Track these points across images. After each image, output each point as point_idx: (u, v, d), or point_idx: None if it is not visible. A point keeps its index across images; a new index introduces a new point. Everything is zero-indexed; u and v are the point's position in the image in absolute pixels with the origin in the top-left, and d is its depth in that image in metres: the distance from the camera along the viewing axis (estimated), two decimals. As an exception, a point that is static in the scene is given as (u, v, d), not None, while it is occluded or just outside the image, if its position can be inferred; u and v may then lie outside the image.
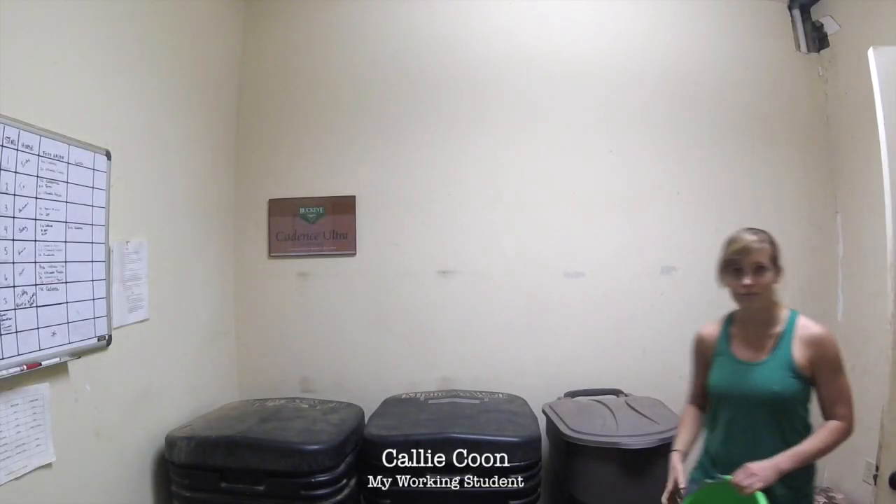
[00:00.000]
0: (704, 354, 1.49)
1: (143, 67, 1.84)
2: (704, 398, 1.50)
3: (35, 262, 1.33)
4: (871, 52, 1.52)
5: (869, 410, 1.53)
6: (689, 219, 2.43)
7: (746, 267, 1.32)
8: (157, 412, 1.88)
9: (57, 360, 1.39)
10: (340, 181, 2.50)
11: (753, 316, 1.39)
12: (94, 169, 1.54)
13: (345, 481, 1.81)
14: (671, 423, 1.80)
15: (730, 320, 1.47)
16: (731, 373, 1.38)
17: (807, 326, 1.35)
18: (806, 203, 2.43)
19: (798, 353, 1.32)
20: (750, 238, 1.34)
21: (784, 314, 1.38)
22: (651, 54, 2.48)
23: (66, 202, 1.44)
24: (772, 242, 1.35)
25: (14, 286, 1.27)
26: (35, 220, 1.33)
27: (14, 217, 1.27)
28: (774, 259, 1.34)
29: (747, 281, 1.32)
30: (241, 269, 2.52)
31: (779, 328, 1.37)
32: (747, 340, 1.40)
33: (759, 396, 1.32)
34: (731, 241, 1.37)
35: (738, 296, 1.36)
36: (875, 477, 1.41)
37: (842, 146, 2.36)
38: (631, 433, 1.83)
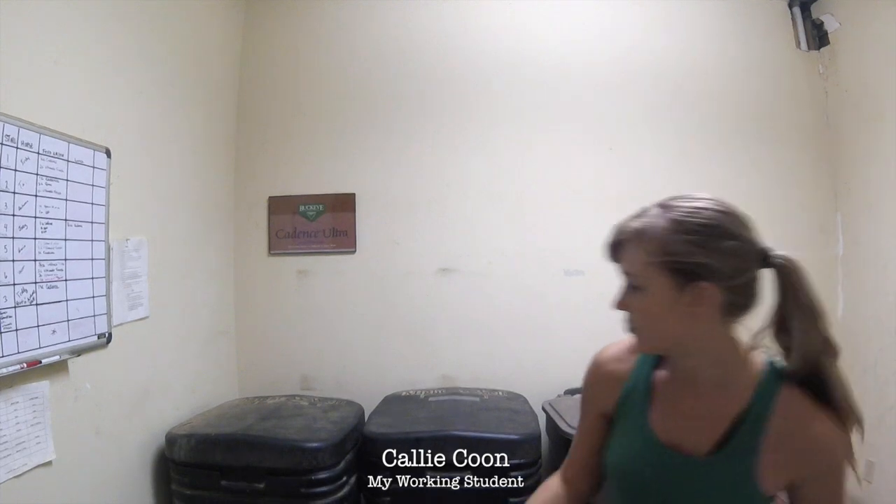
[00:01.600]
0: (602, 401, 0.87)
1: (144, 66, 1.84)
2: (590, 478, 0.89)
3: (35, 260, 1.33)
4: None
5: (869, 410, 1.53)
6: (689, 217, 2.43)
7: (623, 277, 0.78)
8: (157, 410, 1.88)
9: (57, 357, 1.39)
10: (340, 179, 2.50)
11: (692, 365, 0.77)
12: (93, 167, 1.54)
13: (345, 479, 1.81)
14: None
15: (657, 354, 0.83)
16: (647, 457, 0.78)
17: (798, 412, 0.70)
18: (806, 202, 2.43)
19: (770, 459, 0.69)
20: (626, 224, 0.79)
21: (753, 373, 0.74)
22: (651, 53, 2.47)
23: (66, 200, 1.43)
24: (673, 232, 0.73)
25: (14, 284, 1.26)
26: (35, 217, 1.33)
27: (14, 215, 1.27)
28: (678, 267, 0.71)
29: (616, 303, 0.82)
30: (240, 266, 2.51)
31: (741, 402, 0.73)
32: (679, 409, 0.77)
33: None
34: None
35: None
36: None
37: (842, 144, 2.35)
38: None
